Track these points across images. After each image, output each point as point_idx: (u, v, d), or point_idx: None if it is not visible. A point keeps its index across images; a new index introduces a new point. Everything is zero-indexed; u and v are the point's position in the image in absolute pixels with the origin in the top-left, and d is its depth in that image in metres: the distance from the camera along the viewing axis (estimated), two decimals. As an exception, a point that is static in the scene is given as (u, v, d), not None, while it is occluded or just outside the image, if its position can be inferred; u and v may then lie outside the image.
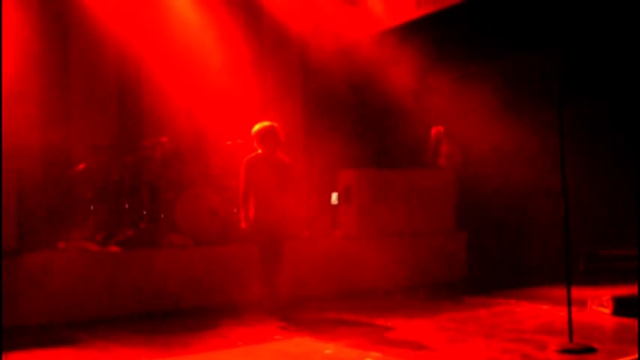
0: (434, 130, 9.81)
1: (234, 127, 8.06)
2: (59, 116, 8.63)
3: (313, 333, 5.62)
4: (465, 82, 9.93)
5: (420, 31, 9.75)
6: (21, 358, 5.00)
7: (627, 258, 8.17)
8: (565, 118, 4.98)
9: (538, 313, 6.34)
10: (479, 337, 5.33)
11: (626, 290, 6.37)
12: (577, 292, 5.29)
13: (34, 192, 7.64)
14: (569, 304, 4.92)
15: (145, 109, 9.17)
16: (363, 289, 7.61)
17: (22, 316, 5.90)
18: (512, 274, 8.59)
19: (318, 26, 10.13)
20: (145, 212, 7.58)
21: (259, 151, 6.22)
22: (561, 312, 5.70)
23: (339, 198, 8.42)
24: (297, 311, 6.40)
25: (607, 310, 6.13)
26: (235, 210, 7.45)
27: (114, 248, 6.83)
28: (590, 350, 4.76)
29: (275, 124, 6.24)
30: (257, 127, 6.22)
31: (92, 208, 7.72)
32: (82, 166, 7.93)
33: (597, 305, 6.26)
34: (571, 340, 4.87)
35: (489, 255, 8.98)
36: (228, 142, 8.04)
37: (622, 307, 6.02)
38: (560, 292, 5.32)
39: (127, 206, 7.67)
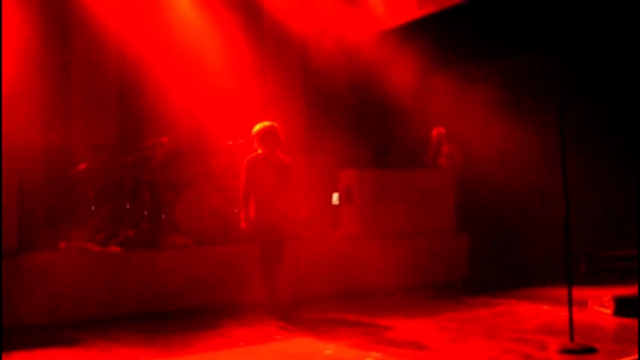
0: (435, 131, 9.80)
1: (235, 127, 8.05)
2: (59, 116, 8.65)
3: (314, 333, 5.62)
4: (466, 83, 9.92)
5: (421, 32, 9.75)
6: (21, 358, 5.00)
7: (628, 258, 8.14)
8: (566, 118, 4.98)
9: (539, 313, 6.33)
10: (479, 337, 5.33)
11: (627, 290, 6.37)
12: (578, 293, 5.28)
13: (34, 192, 7.64)
14: (570, 304, 4.92)
15: (145, 109, 9.18)
16: (364, 289, 7.60)
17: (22, 316, 5.90)
18: (513, 274, 8.57)
19: (319, 26, 10.13)
20: (145, 212, 7.57)
21: (260, 151, 6.22)
22: (562, 312, 5.70)
23: (340, 198, 8.42)
24: (298, 311, 6.40)
25: (608, 311, 6.12)
26: (236, 210, 7.44)
27: (114, 248, 6.83)
28: (591, 350, 4.76)
29: (275, 124, 6.24)
30: (257, 127, 6.22)
31: (93, 208, 7.73)
32: (82, 166, 7.93)
33: (598, 305, 6.25)
34: (572, 340, 4.87)
35: (490, 255, 8.96)
36: (229, 142, 8.04)
37: (623, 307, 6.02)
38: (560, 292, 5.32)
39: (127, 206, 7.65)
